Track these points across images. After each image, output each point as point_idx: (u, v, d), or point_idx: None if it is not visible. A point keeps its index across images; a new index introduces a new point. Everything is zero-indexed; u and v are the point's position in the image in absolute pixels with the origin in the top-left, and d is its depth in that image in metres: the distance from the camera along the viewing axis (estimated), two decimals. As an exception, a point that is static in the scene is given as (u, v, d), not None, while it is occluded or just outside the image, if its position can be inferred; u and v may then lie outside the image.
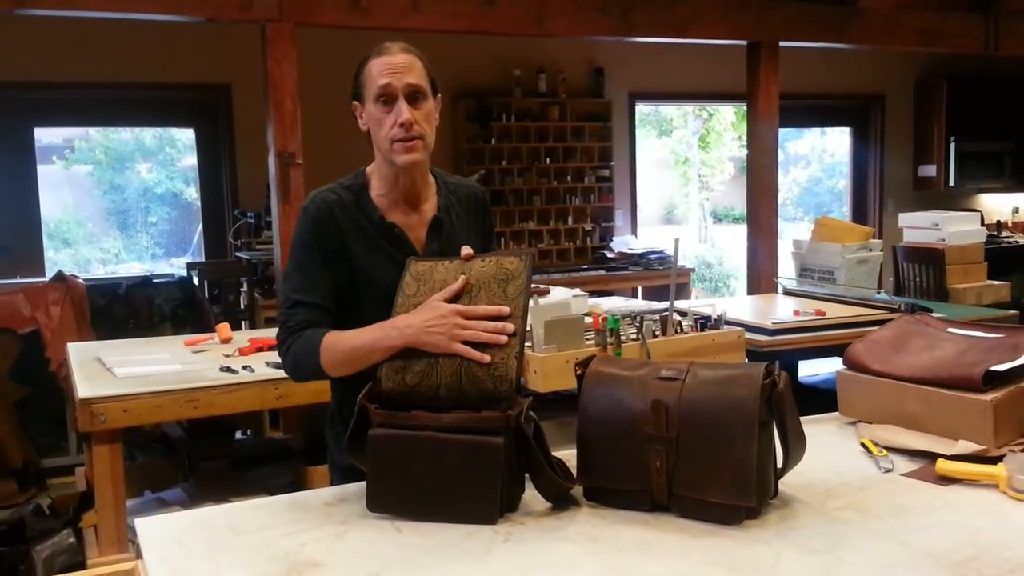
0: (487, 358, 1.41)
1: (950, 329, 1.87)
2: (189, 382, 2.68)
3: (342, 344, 1.54)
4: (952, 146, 7.43)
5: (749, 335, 3.33)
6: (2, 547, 3.01)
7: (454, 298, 1.48)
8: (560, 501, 1.45)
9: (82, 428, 2.58)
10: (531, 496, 1.46)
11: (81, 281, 4.35)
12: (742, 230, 5.78)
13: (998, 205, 7.99)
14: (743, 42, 5.21)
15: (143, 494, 3.21)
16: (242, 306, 4.95)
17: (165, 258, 7.84)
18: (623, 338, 2.96)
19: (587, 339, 2.95)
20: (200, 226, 5.99)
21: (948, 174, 7.47)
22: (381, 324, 1.50)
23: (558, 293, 3.51)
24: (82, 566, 2.70)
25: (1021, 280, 6.30)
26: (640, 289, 6.15)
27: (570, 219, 6.45)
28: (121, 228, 8.29)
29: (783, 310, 3.89)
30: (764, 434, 1.37)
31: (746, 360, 3.17)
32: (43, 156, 6.09)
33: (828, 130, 10.43)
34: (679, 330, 3.15)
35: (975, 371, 1.63)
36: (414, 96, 1.61)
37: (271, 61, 4.02)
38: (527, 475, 1.46)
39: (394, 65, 1.61)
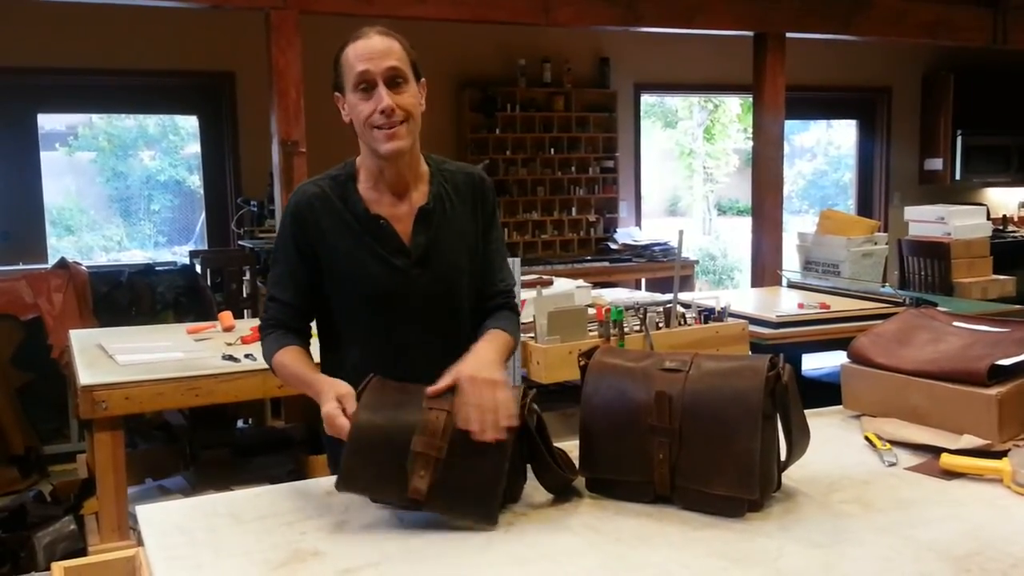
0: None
1: (955, 323, 1.86)
2: (191, 370, 2.68)
3: (289, 369, 1.58)
4: (959, 140, 7.39)
5: (753, 328, 3.32)
6: (3, 533, 3.02)
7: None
8: (562, 493, 1.45)
9: (83, 415, 2.58)
10: (533, 487, 1.45)
11: (83, 268, 4.35)
12: (746, 222, 5.77)
13: (1004, 199, 7.95)
14: (750, 33, 5.19)
15: (144, 481, 3.21)
16: (244, 295, 4.94)
17: (168, 246, 7.84)
18: (626, 330, 2.95)
19: (590, 330, 2.94)
20: (203, 214, 5.98)
21: (954, 168, 7.44)
22: (322, 382, 1.48)
23: (561, 284, 3.50)
24: (83, 553, 2.70)
25: (1026, 275, 6.27)
26: (643, 281, 6.14)
27: (574, 210, 6.43)
28: (124, 216, 8.28)
29: (787, 303, 3.88)
30: (768, 426, 1.36)
31: (750, 353, 3.16)
32: (46, 143, 6.08)
33: (834, 122, 10.38)
34: (682, 322, 3.15)
35: (980, 365, 1.62)
36: (394, 81, 1.55)
37: (275, 49, 4.00)
38: (528, 466, 1.45)
39: (371, 50, 1.55)
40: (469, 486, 1.33)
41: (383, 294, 1.62)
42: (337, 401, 1.40)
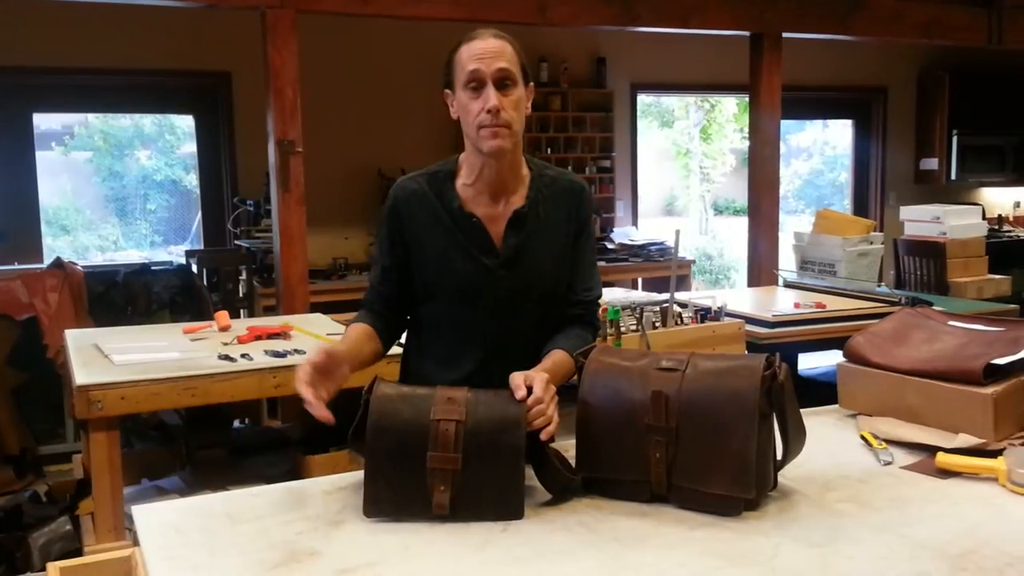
0: (328, 417, 1.39)
1: (951, 322, 1.87)
2: (187, 370, 2.67)
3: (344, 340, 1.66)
4: (954, 139, 7.41)
5: (749, 327, 3.33)
6: (-1, 534, 3.01)
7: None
8: (562, 492, 1.45)
9: (79, 415, 2.57)
10: (529, 486, 1.45)
11: (79, 268, 4.33)
12: (743, 222, 5.78)
13: (999, 199, 7.98)
14: (746, 33, 5.19)
15: (140, 482, 3.20)
16: (241, 294, 4.94)
17: (164, 246, 7.83)
18: (623, 329, 2.96)
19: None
20: (199, 214, 5.97)
21: (950, 167, 7.46)
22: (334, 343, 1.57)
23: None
24: (79, 553, 2.69)
25: (1022, 274, 6.29)
26: (640, 281, 6.14)
27: (570, 210, 6.42)
28: (120, 215, 8.27)
29: (783, 302, 3.89)
30: (764, 426, 1.37)
31: (746, 352, 3.17)
32: (42, 142, 6.07)
33: (830, 122, 10.40)
34: (679, 322, 3.16)
35: (976, 364, 1.63)
36: (503, 82, 1.58)
37: (271, 48, 4.00)
38: (529, 467, 1.45)
39: (484, 50, 1.58)
40: (491, 489, 1.35)
41: (467, 290, 1.65)
42: (310, 364, 1.42)
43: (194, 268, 4.88)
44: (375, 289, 1.74)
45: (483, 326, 1.66)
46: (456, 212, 1.65)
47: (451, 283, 1.65)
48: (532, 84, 1.66)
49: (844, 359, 1.86)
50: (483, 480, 1.35)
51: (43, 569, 2.77)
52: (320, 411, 1.38)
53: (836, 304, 3.76)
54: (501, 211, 1.66)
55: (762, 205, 5.33)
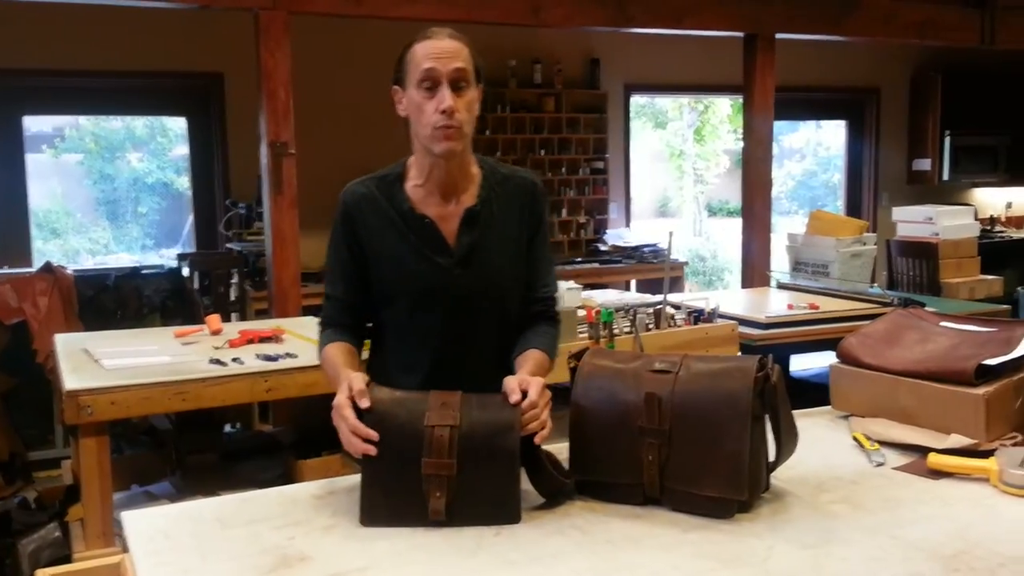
0: (372, 450, 1.37)
1: (943, 323, 1.87)
2: (178, 374, 2.66)
3: (327, 364, 1.63)
4: (947, 140, 7.43)
5: (742, 329, 3.33)
6: (-11, 539, 2.99)
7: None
8: (556, 496, 1.44)
9: (69, 420, 2.55)
10: (523, 489, 1.44)
11: (69, 272, 4.31)
12: (736, 223, 5.79)
13: (992, 199, 8.00)
14: (740, 34, 5.20)
15: (130, 487, 3.18)
16: (232, 298, 4.91)
17: (155, 249, 7.80)
18: (616, 331, 2.96)
19: (580, 332, 2.95)
20: (191, 216, 5.95)
21: (942, 168, 7.48)
22: (341, 374, 1.50)
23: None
24: (68, 560, 2.68)
25: (1014, 275, 6.32)
26: (634, 282, 6.15)
27: (564, 211, 6.43)
28: (111, 218, 8.23)
29: (777, 304, 3.89)
30: (757, 427, 1.36)
31: (739, 353, 3.17)
32: (32, 144, 6.04)
33: (823, 123, 10.43)
34: (672, 323, 3.16)
35: (967, 365, 1.63)
36: (458, 83, 1.56)
37: (264, 50, 3.98)
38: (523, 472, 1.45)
39: (441, 50, 1.57)
40: (486, 493, 1.35)
41: (425, 291, 1.63)
42: (348, 391, 1.41)
43: (185, 271, 4.86)
44: (338, 301, 1.69)
45: (443, 328, 1.64)
46: (407, 214, 1.63)
47: (408, 285, 1.63)
48: (482, 85, 1.65)
49: (837, 360, 1.86)
50: (479, 485, 1.34)
51: None
52: (369, 448, 1.37)
53: (829, 305, 3.76)
54: (453, 210, 1.64)
55: (755, 206, 5.33)
